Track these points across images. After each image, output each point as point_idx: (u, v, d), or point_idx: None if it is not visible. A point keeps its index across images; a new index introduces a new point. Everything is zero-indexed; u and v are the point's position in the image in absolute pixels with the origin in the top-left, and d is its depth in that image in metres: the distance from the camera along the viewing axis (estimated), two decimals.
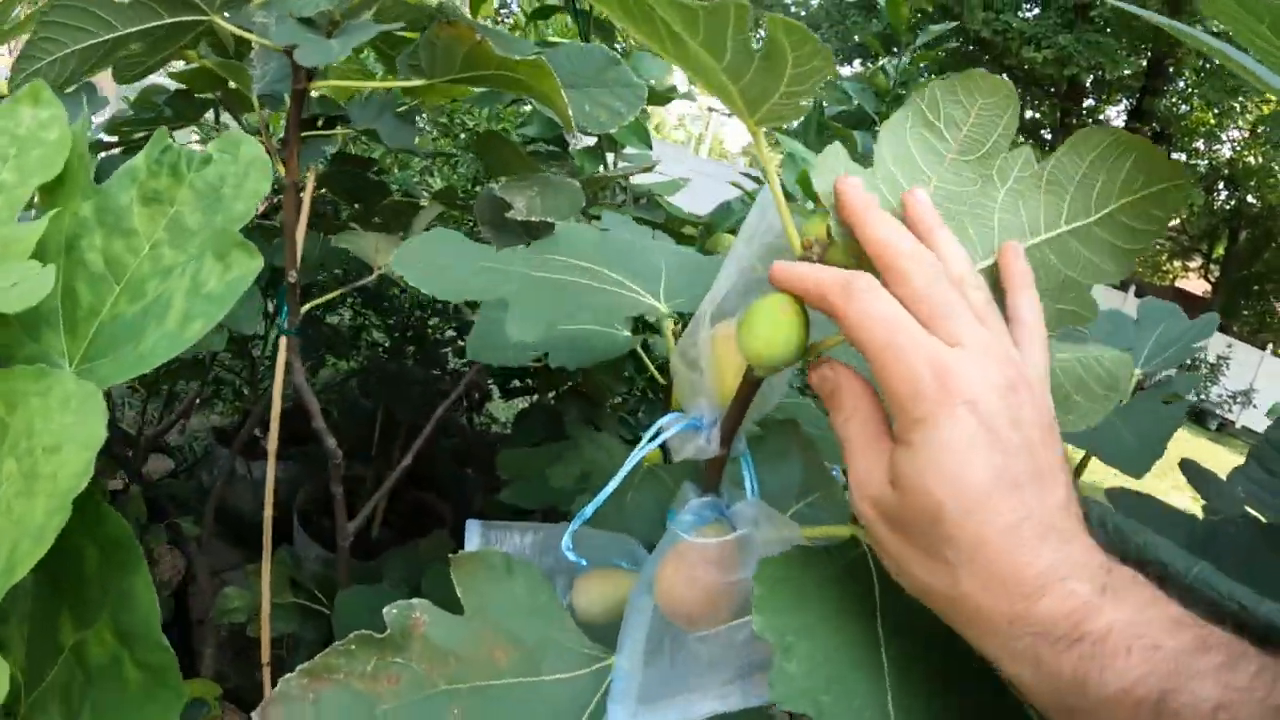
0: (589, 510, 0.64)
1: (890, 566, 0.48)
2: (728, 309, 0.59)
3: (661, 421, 0.61)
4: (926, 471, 0.43)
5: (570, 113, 0.80)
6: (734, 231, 1.13)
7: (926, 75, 1.97)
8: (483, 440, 2.28)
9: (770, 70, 0.49)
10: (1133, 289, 19.15)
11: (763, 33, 0.49)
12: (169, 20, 0.94)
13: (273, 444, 1.07)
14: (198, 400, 2.27)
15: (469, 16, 0.80)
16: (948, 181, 0.54)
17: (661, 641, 0.61)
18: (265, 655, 1.25)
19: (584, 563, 0.66)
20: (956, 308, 0.46)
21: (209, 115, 1.50)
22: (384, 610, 0.57)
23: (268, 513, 1.11)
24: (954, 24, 2.02)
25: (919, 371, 0.44)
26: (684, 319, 0.80)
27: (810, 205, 1.28)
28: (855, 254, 0.51)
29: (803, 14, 14.78)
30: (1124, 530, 0.49)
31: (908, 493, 0.44)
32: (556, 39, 1.68)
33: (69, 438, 0.48)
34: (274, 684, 1.36)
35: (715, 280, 0.59)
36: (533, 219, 0.85)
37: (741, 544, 0.59)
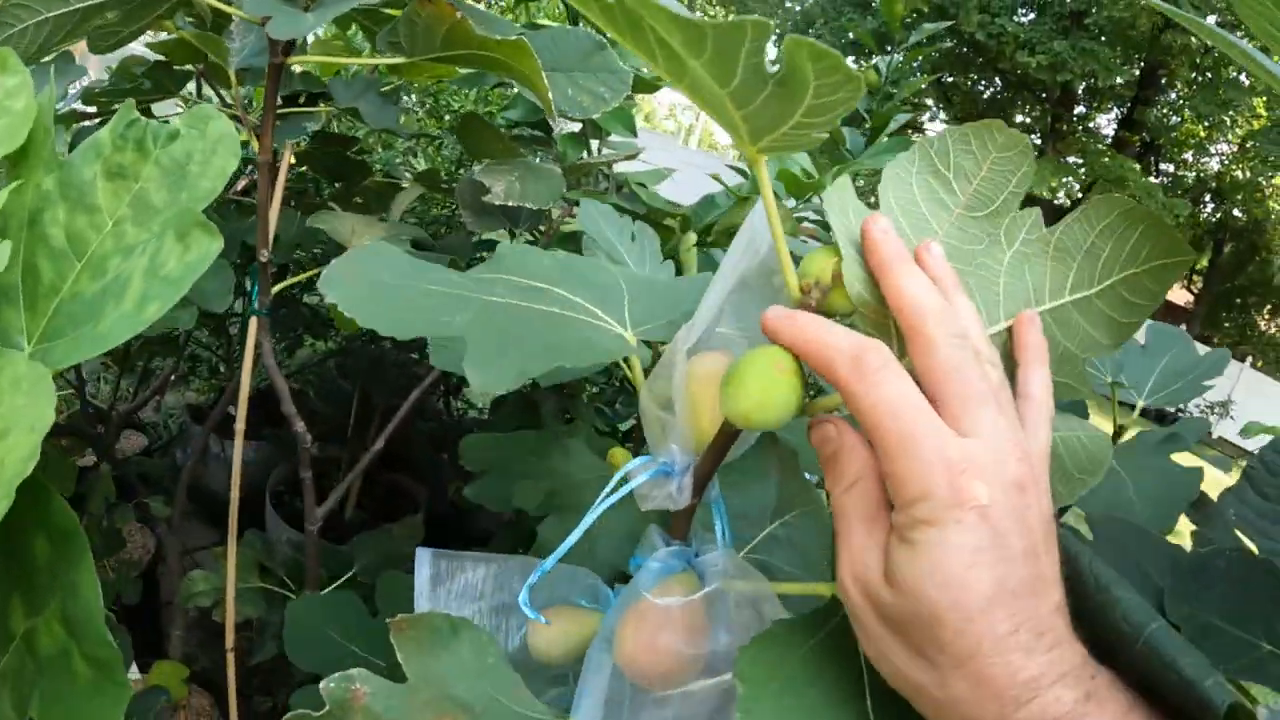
0: (549, 564, 0.61)
1: (868, 649, 0.46)
2: (705, 342, 0.55)
3: (628, 467, 0.57)
4: (928, 577, 0.41)
5: (551, 96, 0.78)
6: (712, 227, 1.11)
7: (919, 74, 1.96)
8: (459, 425, 2.26)
9: (785, 98, 0.43)
10: None
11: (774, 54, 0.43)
12: None
13: (240, 425, 1.05)
14: (173, 377, 2.24)
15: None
16: (953, 237, 0.52)
17: (621, 703, 0.58)
18: (230, 640, 1.23)
19: (543, 620, 0.62)
20: (980, 391, 0.43)
21: (191, 88, 1.48)
22: (321, 685, 0.52)
23: (234, 495, 1.09)
24: (948, 24, 2.01)
25: (932, 470, 0.41)
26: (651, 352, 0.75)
27: (792, 202, 1.26)
28: (862, 303, 0.48)
29: (798, 9, 14.74)
30: (1085, 579, 0.47)
31: (905, 594, 0.42)
32: (546, 22, 1.66)
33: (18, 421, 0.46)
34: (238, 669, 1.33)
35: (697, 309, 0.54)
36: (511, 204, 0.83)
37: (709, 601, 0.56)
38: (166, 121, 0.61)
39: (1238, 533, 0.71)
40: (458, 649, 0.58)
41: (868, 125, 1.47)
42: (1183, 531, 0.81)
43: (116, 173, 0.60)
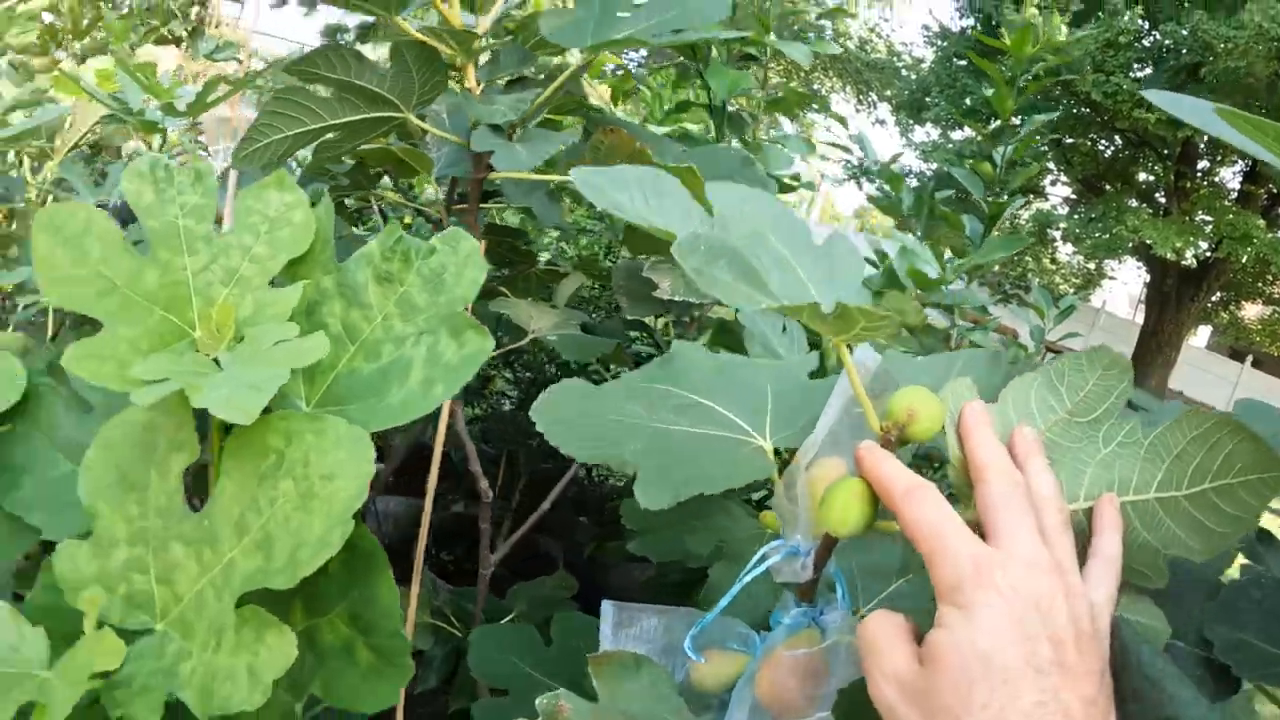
0: (708, 619, 0.77)
1: None
2: (822, 454, 0.69)
3: (765, 549, 0.71)
4: (962, 648, 0.49)
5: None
6: None
7: (1034, 158, 2.04)
8: (599, 490, 2.40)
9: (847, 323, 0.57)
10: (1249, 360, 18.45)
11: None
12: (369, 115, 1.10)
13: (432, 482, 1.22)
14: None
15: (635, 125, 0.94)
16: (1055, 434, 0.61)
17: None
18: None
19: (700, 659, 0.78)
20: (1020, 523, 0.54)
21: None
22: (536, 701, 0.65)
23: (420, 546, 1.26)
24: (1054, 115, 2.10)
25: (962, 563, 0.51)
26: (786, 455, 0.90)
27: (914, 291, 1.39)
28: (957, 460, 0.60)
29: (914, 77, 14.76)
30: (1141, 672, 0.54)
31: (941, 668, 0.50)
32: (689, 124, 1.83)
33: (341, 470, 0.63)
34: (408, 703, 1.49)
35: (816, 426, 0.69)
36: (676, 299, 0.98)
37: (829, 652, 0.70)
38: (425, 236, 0.78)
39: None
40: (639, 679, 0.73)
41: (984, 214, 1.58)
42: None
43: (385, 278, 0.78)
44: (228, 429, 0.71)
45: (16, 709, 0.63)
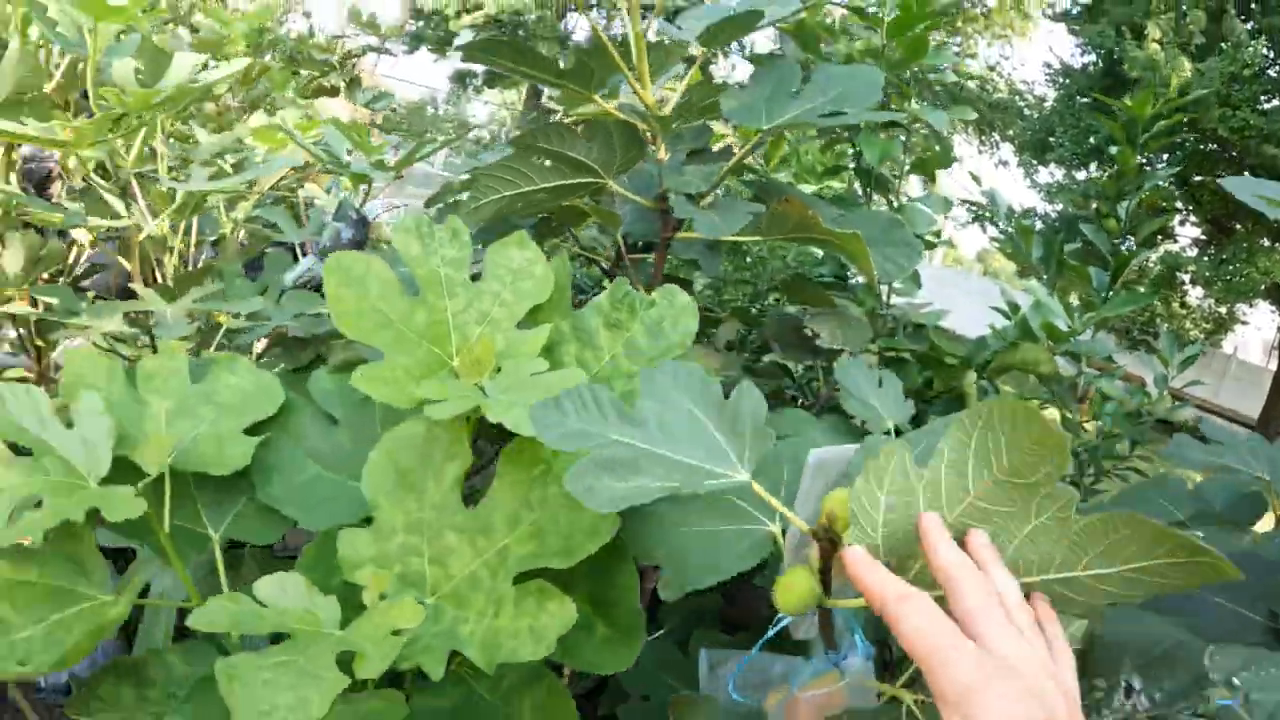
0: (745, 661, 0.92)
1: None
2: (804, 541, 0.82)
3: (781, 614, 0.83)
4: None
5: (875, 271, 1.09)
6: (986, 365, 1.37)
7: (1164, 200, 2.13)
8: None
9: None
10: None
11: None
12: (574, 180, 1.29)
13: None
14: None
15: (805, 193, 1.11)
16: (985, 497, 0.62)
17: None
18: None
19: (739, 697, 0.91)
20: (1003, 629, 0.57)
21: None
22: None
23: None
24: (1177, 168, 2.18)
25: (962, 679, 0.54)
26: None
27: (1047, 342, 1.51)
28: (882, 548, 0.65)
29: (1036, 117, 14.50)
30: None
31: None
32: (834, 184, 1.99)
33: None
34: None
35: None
36: (835, 347, 1.13)
37: (846, 690, 0.82)
38: (634, 290, 0.96)
39: None
40: (711, 713, 0.90)
41: (1112, 268, 1.69)
42: None
43: (613, 324, 0.96)
44: (502, 442, 0.89)
45: (335, 658, 0.80)
